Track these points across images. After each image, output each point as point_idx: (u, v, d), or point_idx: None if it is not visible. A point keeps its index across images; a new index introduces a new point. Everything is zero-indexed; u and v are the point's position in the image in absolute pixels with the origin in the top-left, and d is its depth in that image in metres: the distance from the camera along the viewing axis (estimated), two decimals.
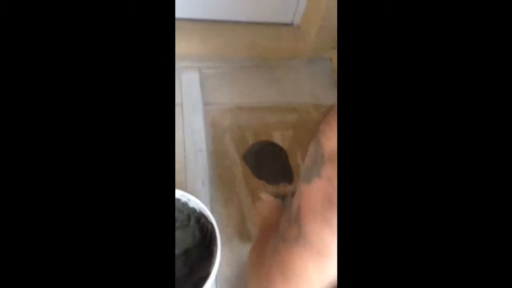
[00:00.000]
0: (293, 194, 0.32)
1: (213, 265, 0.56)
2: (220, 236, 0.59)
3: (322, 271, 0.26)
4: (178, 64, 0.98)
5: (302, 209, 0.27)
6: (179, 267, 0.61)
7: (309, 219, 0.26)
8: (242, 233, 0.78)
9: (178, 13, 0.98)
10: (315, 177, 0.26)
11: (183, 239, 0.62)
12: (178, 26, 0.99)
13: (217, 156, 0.88)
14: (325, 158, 0.25)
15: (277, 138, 0.94)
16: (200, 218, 0.64)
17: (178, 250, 0.61)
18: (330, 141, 0.25)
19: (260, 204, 0.66)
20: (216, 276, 0.64)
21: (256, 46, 1.03)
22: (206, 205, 0.63)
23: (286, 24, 1.08)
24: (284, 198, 0.70)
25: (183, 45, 0.97)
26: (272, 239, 0.32)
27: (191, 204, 0.65)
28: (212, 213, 0.62)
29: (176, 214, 0.64)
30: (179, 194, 0.64)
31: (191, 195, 0.63)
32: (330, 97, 1.03)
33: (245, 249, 0.78)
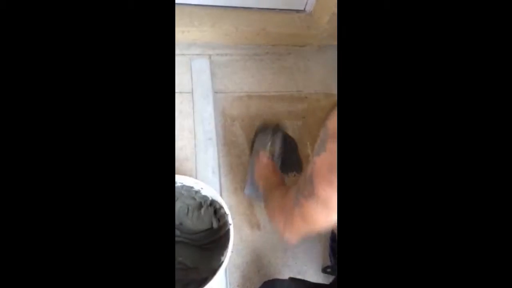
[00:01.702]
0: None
1: (225, 254, 0.57)
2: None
3: (327, 217, 0.37)
4: (189, 51, 0.97)
5: (313, 174, 0.37)
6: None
7: (318, 181, 0.36)
8: (252, 221, 0.79)
9: None
10: (322, 151, 0.35)
11: (197, 225, 0.63)
12: (189, 12, 0.97)
13: (226, 145, 0.88)
14: (329, 136, 0.34)
15: (287, 127, 0.93)
16: (213, 205, 0.65)
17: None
18: (332, 124, 0.34)
19: (260, 165, 0.70)
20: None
21: (267, 33, 1.01)
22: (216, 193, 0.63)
23: (298, 11, 1.06)
24: (275, 156, 0.73)
25: (194, 32, 0.95)
26: (293, 193, 0.44)
27: (203, 193, 0.65)
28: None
29: (189, 201, 0.65)
30: (192, 182, 0.64)
31: (204, 184, 0.64)
32: None
33: (254, 237, 0.79)
